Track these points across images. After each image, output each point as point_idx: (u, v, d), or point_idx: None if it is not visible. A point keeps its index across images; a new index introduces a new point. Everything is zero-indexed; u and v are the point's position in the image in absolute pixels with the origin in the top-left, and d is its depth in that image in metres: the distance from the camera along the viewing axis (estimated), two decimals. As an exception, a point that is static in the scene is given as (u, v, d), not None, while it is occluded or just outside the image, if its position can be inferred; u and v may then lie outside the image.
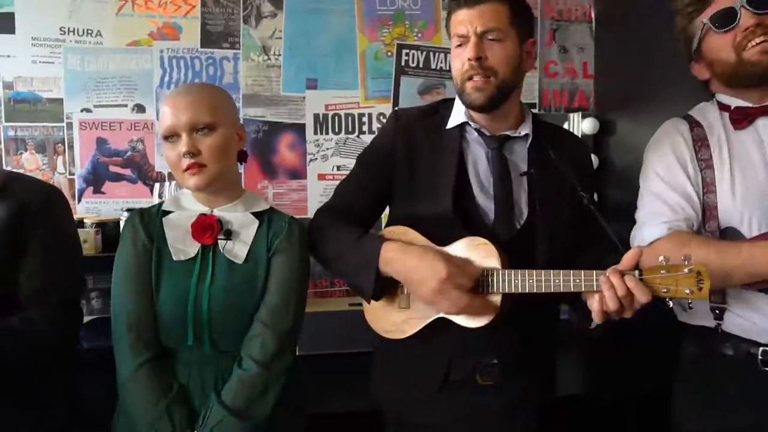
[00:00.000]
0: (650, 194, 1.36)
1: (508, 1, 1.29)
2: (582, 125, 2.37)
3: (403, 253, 1.26)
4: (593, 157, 2.35)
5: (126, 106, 2.25)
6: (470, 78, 1.28)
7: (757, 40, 1.25)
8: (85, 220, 2.10)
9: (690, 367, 1.38)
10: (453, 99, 1.41)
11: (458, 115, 1.37)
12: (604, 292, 1.13)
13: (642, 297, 1.12)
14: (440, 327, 1.29)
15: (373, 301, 1.35)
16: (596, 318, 1.18)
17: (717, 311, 1.30)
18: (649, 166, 1.39)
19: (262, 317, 1.28)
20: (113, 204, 2.24)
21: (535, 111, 2.46)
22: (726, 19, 1.28)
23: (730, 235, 1.26)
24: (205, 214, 1.31)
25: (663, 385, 1.48)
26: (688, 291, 1.10)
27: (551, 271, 1.19)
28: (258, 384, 1.25)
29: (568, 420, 1.84)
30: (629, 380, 1.97)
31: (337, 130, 2.34)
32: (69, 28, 2.21)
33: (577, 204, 1.30)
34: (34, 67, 2.21)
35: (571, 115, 2.41)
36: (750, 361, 1.26)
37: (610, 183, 2.38)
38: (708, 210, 1.29)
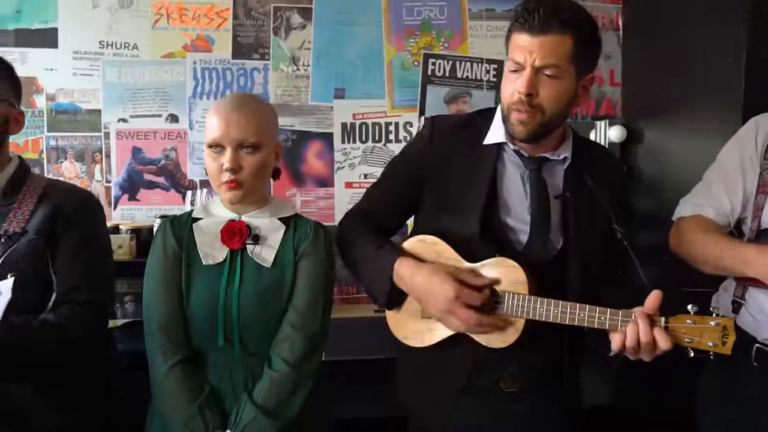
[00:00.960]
0: (705, 177, 1.44)
1: (574, 34, 1.20)
2: (609, 133, 2.36)
3: (413, 271, 1.27)
4: (620, 165, 2.35)
5: (160, 116, 2.33)
6: (517, 110, 1.24)
7: None
8: (120, 227, 2.17)
9: (712, 363, 1.40)
10: (493, 110, 1.38)
11: (497, 132, 1.33)
12: (627, 331, 1.14)
13: (663, 344, 1.12)
14: (462, 339, 1.29)
15: (397, 310, 1.38)
16: (615, 346, 1.18)
17: (735, 305, 1.35)
18: (719, 155, 1.45)
19: (291, 320, 1.31)
20: (147, 211, 2.32)
21: (562, 119, 2.46)
22: None
23: (764, 236, 1.30)
24: (233, 220, 1.35)
25: (691, 399, 1.49)
26: (711, 344, 1.11)
27: (577, 304, 1.19)
28: (288, 384, 1.28)
29: (595, 429, 1.83)
30: (657, 393, 1.95)
31: (364, 138, 2.38)
32: (108, 42, 2.31)
33: (611, 234, 1.27)
34: (75, 79, 2.31)
35: (598, 123, 2.40)
36: (746, 358, 1.31)
37: (637, 192, 2.36)
38: (756, 209, 1.33)
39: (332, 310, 1.94)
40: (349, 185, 2.38)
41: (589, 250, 1.30)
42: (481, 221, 1.28)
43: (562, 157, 1.32)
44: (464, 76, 2.38)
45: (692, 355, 1.14)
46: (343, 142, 2.37)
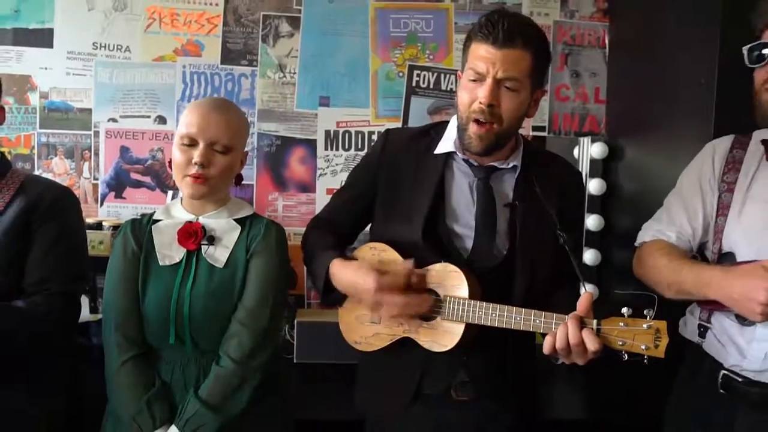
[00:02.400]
0: (666, 202, 1.45)
1: (533, 51, 1.25)
2: (591, 150, 2.37)
3: (342, 269, 1.31)
4: (600, 181, 2.36)
5: (149, 117, 2.39)
6: (476, 121, 1.26)
7: None
8: (104, 223, 2.23)
9: (677, 385, 1.43)
10: (446, 123, 1.42)
11: (447, 142, 1.37)
12: (557, 333, 1.15)
13: (590, 345, 1.12)
14: (411, 344, 1.33)
15: (347, 313, 1.42)
16: (545, 350, 1.19)
17: (701, 329, 1.35)
18: (679, 179, 1.46)
19: (239, 317, 1.35)
20: (132, 209, 2.37)
21: (545, 134, 2.48)
22: (760, 55, 1.27)
23: (726, 259, 1.30)
24: (190, 222, 1.39)
25: (648, 407, 1.50)
26: (643, 347, 1.11)
27: (514, 308, 1.22)
28: (233, 380, 1.32)
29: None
30: (632, 404, 1.95)
31: (347, 146, 2.41)
32: (101, 44, 2.37)
33: (557, 240, 1.30)
34: (68, 78, 2.37)
35: (581, 139, 2.41)
36: (713, 384, 1.30)
37: (617, 208, 2.37)
38: (717, 232, 1.33)
39: (308, 314, 1.97)
40: (330, 191, 2.40)
41: (536, 255, 1.33)
42: (424, 226, 1.32)
43: (511, 165, 1.36)
44: (448, 88, 2.41)
45: (626, 358, 1.14)
46: (326, 149, 2.41)
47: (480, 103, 1.24)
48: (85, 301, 2.27)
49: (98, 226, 2.22)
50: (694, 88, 1.88)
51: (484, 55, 1.24)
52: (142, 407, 1.30)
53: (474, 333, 1.26)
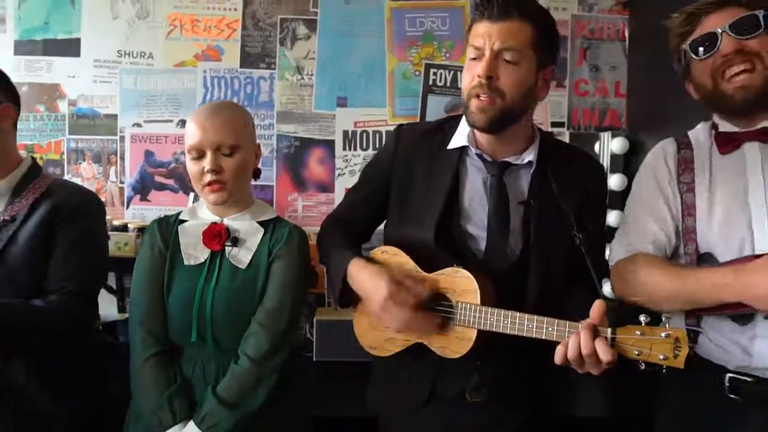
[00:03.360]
0: (627, 216, 1.38)
1: (534, 22, 1.22)
2: (611, 145, 2.35)
3: (361, 270, 1.30)
4: (621, 177, 2.33)
5: (172, 121, 2.45)
6: (477, 96, 1.24)
7: (735, 69, 1.22)
8: (129, 225, 2.29)
9: (669, 392, 1.36)
10: (460, 116, 1.38)
11: (461, 136, 1.34)
12: (569, 343, 1.10)
13: (603, 356, 1.06)
14: (424, 349, 1.31)
15: (361, 317, 1.42)
16: (556, 360, 1.14)
17: (692, 334, 1.24)
18: (633, 188, 1.40)
19: (259, 318, 1.38)
20: (156, 211, 2.43)
21: (564, 130, 2.46)
22: (705, 45, 1.25)
23: (706, 260, 1.25)
24: (215, 223, 1.43)
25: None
26: (662, 357, 1.05)
27: (526, 315, 1.17)
28: (249, 378, 1.34)
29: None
30: (653, 403, 1.93)
31: (365, 146, 2.44)
32: (125, 51, 2.44)
33: (572, 240, 1.25)
34: (95, 86, 2.44)
35: (602, 134, 2.39)
36: (718, 387, 1.24)
37: (638, 203, 2.34)
38: (687, 233, 1.28)
39: (327, 313, 1.99)
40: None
41: (551, 255, 1.29)
42: (436, 228, 1.30)
43: (526, 161, 1.31)
44: (465, 86, 2.41)
45: (643, 368, 1.08)
46: (345, 149, 2.44)
47: (478, 76, 1.22)
48: (113, 300, 2.35)
49: (124, 228, 2.29)
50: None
51: (481, 31, 1.22)
52: (163, 402, 1.33)
53: (486, 338, 1.24)
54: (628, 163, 2.37)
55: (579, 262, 1.27)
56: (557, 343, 1.15)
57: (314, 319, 2.20)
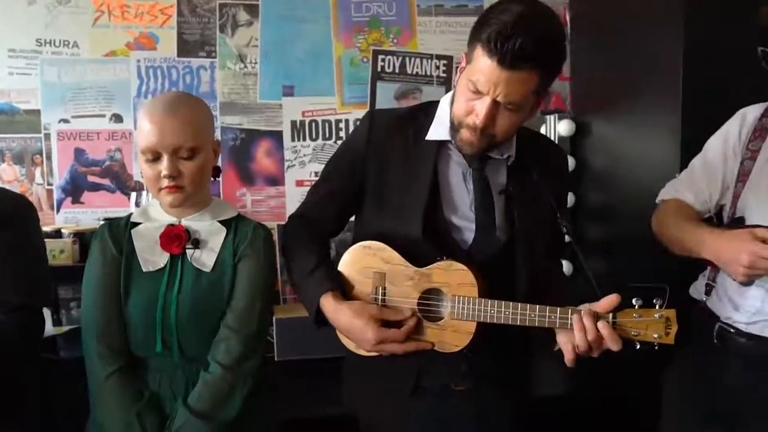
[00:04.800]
0: (691, 164, 1.49)
1: (543, 70, 1.14)
2: (558, 127, 2.40)
3: (336, 310, 1.27)
4: (570, 158, 2.39)
5: (104, 116, 2.27)
6: (468, 131, 1.21)
7: None
8: (62, 230, 2.11)
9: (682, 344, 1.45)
10: (435, 104, 1.35)
11: (440, 129, 1.30)
12: (575, 332, 1.15)
13: (613, 345, 1.13)
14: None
15: None
16: (568, 363, 1.19)
17: (708, 287, 1.42)
18: (708, 142, 1.48)
19: (228, 322, 1.30)
20: (92, 214, 2.26)
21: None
22: None
23: (737, 223, 1.35)
24: (173, 225, 1.32)
25: (647, 383, 1.53)
26: (655, 335, 1.15)
27: (527, 305, 1.19)
28: (223, 386, 1.27)
29: (549, 421, 1.85)
30: (612, 379, 1.99)
31: (314, 136, 2.36)
32: (45, 40, 2.23)
33: (555, 225, 1.29)
34: (11, 78, 2.23)
35: (548, 117, 2.43)
36: (709, 335, 1.37)
37: (586, 184, 2.40)
38: (735, 197, 1.38)
39: (285, 310, 1.92)
40: (300, 183, 2.36)
41: (535, 241, 1.31)
42: (424, 222, 1.27)
43: (505, 156, 1.31)
44: (414, 72, 2.38)
45: (638, 347, 1.16)
46: (293, 140, 2.35)
47: (475, 123, 1.18)
48: (47, 313, 2.16)
49: (57, 234, 2.10)
50: (660, 63, 1.92)
51: (487, 73, 1.12)
52: (131, 420, 1.23)
53: (483, 330, 1.24)
54: (574, 145, 2.43)
55: (554, 247, 1.35)
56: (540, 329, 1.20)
57: (273, 318, 2.12)
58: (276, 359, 2.11)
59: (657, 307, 1.14)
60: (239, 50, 2.31)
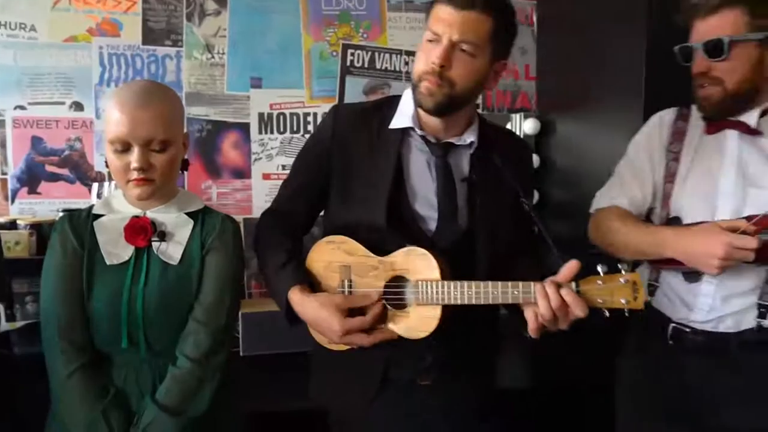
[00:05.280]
0: (617, 171, 1.52)
1: (495, 15, 1.22)
2: (524, 126, 2.43)
3: (303, 303, 1.28)
4: (535, 156, 2.43)
5: (63, 104, 2.19)
6: (428, 80, 1.24)
7: (701, 88, 1.36)
8: (18, 222, 2.03)
9: (629, 344, 1.52)
10: (398, 97, 1.38)
11: (403, 117, 1.33)
12: (538, 301, 1.15)
13: (578, 310, 1.14)
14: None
15: None
16: (532, 333, 1.19)
17: (650, 287, 1.44)
18: (629, 148, 1.53)
19: (197, 315, 1.28)
20: (49, 205, 2.18)
21: (479, 111, 2.50)
22: (685, 56, 1.38)
23: (673, 223, 1.39)
24: (138, 216, 1.29)
25: (607, 372, 1.56)
26: (623, 301, 1.14)
27: (489, 282, 1.20)
28: (191, 380, 1.25)
29: (516, 414, 1.89)
30: (575, 370, 2.04)
31: (282, 129, 2.33)
32: (0, 22, 2.13)
33: (519, 209, 1.32)
34: (-38, 61, 2.13)
35: (514, 115, 2.47)
36: (663, 336, 1.41)
37: (550, 182, 2.45)
38: (665, 198, 1.42)
39: (251, 305, 1.90)
40: (267, 177, 2.33)
41: (496, 227, 1.33)
42: (387, 211, 1.28)
43: (468, 141, 1.34)
44: (383, 68, 2.38)
45: (607, 314, 1.16)
46: (261, 132, 2.32)
47: (432, 63, 1.22)
48: (0, 308, 2.08)
49: (12, 225, 2.02)
50: (622, 64, 1.97)
51: (443, 17, 1.22)
52: (96, 418, 1.20)
53: (450, 314, 1.25)
54: (539, 143, 2.47)
55: (522, 232, 1.37)
56: (506, 320, 1.21)
57: (239, 313, 2.09)
58: (242, 354, 2.08)
59: (622, 272, 1.14)
60: (207, 40, 2.26)
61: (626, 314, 1.16)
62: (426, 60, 1.24)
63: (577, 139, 2.30)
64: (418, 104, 1.29)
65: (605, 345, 1.55)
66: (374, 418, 1.35)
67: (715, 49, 1.30)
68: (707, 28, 1.31)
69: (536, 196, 2.44)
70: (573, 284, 1.15)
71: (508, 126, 2.45)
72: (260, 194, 2.30)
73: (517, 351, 2.20)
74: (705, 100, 1.36)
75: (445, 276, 1.24)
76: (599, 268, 1.15)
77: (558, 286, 1.15)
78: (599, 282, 1.15)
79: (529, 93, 2.55)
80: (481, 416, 1.38)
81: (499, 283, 1.20)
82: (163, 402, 1.23)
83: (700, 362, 1.37)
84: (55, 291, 1.26)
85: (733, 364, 1.34)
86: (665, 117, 1.49)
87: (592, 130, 2.20)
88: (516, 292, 1.18)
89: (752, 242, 1.20)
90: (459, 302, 1.22)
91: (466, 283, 1.21)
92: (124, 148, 1.21)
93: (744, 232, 1.22)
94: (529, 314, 1.19)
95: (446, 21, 1.21)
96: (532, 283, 1.18)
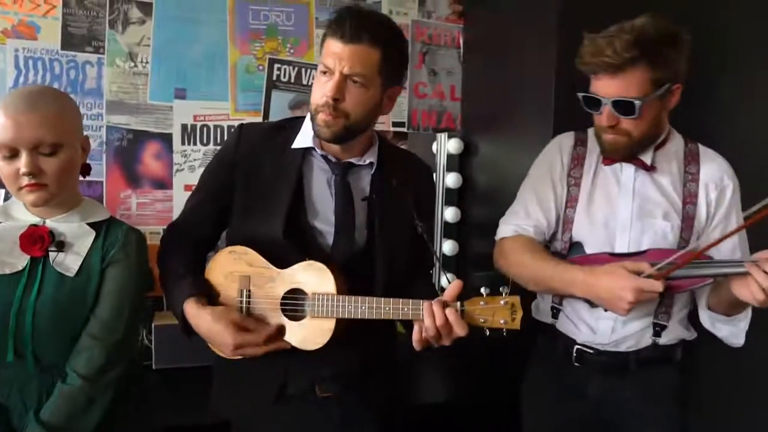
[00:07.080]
0: (519, 196, 1.54)
1: (382, 47, 1.26)
2: (448, 145, 2.50)
3: (197, 315, 1.30)
4: (457, 175, 2.50)
5: (-26, 106, 2.11)
6: (323, 112, 1.28)
7: (608, 136, 1.38)
8: None
9: (533, 361, 1.58)
10: (302, 118, 1.42)
11: (305, 137, 1.38)
12: (424, 318, 1.21)
13: (459, 330, 1.20)
14: None
15: None
16: (415, 345, 1.25)
17: (554, 310, 1.50)
18: (529, 173, 1.55)
19: (92, 330, 1.26)
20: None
21: (405, 130, 2.56)
22: (592, 105, 1.38)
23: (576, 248, 1.44)
24: (36, 225, 1.27)
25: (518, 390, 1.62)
26: (502, 321, 1.21)
27: (382, 299, 1.25)
28: (80, 398, 1.23)
29: (431, 428, 1.92)
30: (491, 384, 2.09)
31: (205, 141, 2.32)
32: None
33: (414, 230, 1.36)
34: None
35: (439, 135, 2.53)
36: (568, 356, 1.47)
37: (472, 200, 2.52)
38: (566, 222, 1.46)
39: (164, 317, 1.87)
40: (189, 188, 2.31)
41: (394, 246, 1.38)
42: (285, 224, 1.32)
43: (367, 162, 1.39)
44: (309, 83, 2.40)
45: (488, 333, 1.23)
46: (183, 143, 2.30)
47: (326, 96, 1.26)
48: None
49: None
50: (536, 88, 2.06)
51: (333, 50, 1.26)
52: (-26, 435, 1.16)
53: (343, 328, 1.29)
54: (462, 163, 2.54)
55: (419, 251, 1.41)
56: (404, 336, 1.25)
57: (152, 325, 2.06)
58: (154, 368, 2.04)
59: (504, 294, 1.21)
60: (130, 48, 2.23)
61: (504, 334, 1.22)
62: (320, 93, 1.28)
63: (498, 159, 2.38)
64: (316, 134, 1.33)
65: (519, 362, 1.62)
66: (272, 428, 1.37)
67: (626, 109, 1.32)
68: (615, 85, 1.31)
69: (458, 214, 2.51)
70: (458, 304, 1.21)
71: (434, 146, 2.52)
72: (181, 205, 2.19)
73: (431, 366, 2.25)
74: (611, 146, 1.39)
75: (340, 290, 1.28)
76: (482, 290, 1.22)
77: (445, 305, 1.21)
78: (482, 303, 1.21)
79: (454, 113, 2.62)
80: (383, 430, 1.41)
81: (391, 299, 1.25)
82: (48, 420, 1.20)
83: (601, 381, 1.46)
84: None
85: (632, 379, 1.44)
86: (564, 142, 1.52)
87: (511, 151, 2.29)
88: (406, 309, 1.24)
89: (659, 286, 1.26)
90: (352, 316, 1.26)
91: (360, 298, 1.26)
92: (12, 153, 1.19)
93: (650, 275, 1.27)
94: (416, 328, 1.24)
95: (336, 54, 1.25)
96: (421, 301, 1.23)
